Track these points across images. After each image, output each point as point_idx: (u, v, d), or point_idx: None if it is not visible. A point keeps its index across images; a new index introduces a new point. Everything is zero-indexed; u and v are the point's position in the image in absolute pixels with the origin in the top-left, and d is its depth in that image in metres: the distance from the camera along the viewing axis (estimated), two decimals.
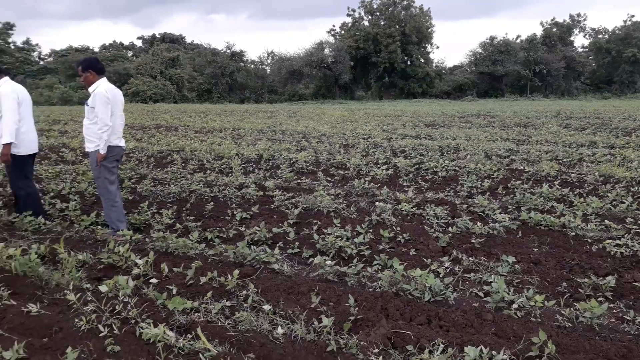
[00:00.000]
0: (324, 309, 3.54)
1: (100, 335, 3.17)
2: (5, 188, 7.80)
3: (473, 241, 5.05)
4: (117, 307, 3.49)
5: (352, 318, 3.40)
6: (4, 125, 5.51)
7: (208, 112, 31.96)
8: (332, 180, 8.37)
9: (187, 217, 6.15)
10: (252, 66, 67.99)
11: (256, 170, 9.42)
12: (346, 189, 7.61)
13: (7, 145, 5.53)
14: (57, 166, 9.89)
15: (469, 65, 66.95)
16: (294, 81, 63.38)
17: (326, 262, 4.28)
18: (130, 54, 78.74)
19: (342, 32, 65.78)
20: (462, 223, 5.55)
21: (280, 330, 3.23)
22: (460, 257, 4.70)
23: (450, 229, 5.40)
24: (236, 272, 3.99)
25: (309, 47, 62.32)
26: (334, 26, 70.83)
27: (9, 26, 67.66)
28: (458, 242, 5.10)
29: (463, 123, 20.57)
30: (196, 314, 3.48)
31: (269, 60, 69.32)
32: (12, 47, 67.82)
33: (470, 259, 4.64)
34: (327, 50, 61.54)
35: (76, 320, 3.35)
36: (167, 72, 59.26)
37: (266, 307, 3.55)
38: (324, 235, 5.16)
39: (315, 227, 5.56)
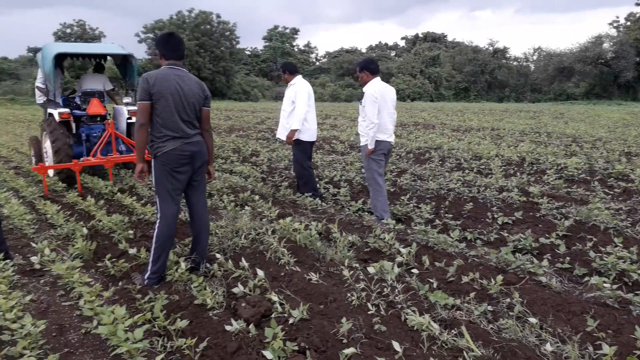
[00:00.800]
0: (602, 335, 3.15)
1: (369, 312, 3.43)
2: (290, 171, 9.09)
3: None
4: (384, 290, 3.73)
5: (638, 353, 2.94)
6: (296, 115, 6.53)
7: (465, 110, 31.51)
8: (611, 192, 7.36)
9: (446, 215, 6.18)
10: (515, 63, 64.29)
11: (518, 173, 8.90)
12: (630, 204, 6.59)
13: (294, 131, 6.59)
14: (329, 156, 11.07)
15: None
16: (562, 79, 57.61)
17: (604, 284, 3.79)
18: (393, 53, 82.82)
19: (628, 23, 56.88)
20: None
21: (549, 347, 3.00)
22: None
23: None
24: (499, 277, 3.84)
25: (583, 42, 55.80)
26: (617, 17, 61.69)
27: (295, 31, 78.34)
28: None
29: None
30: (457, 311, 3.48)
31: (534, 57, 64.55)
32: (296, 50, 78.33)
33: None
34: (606, 45, 54.09)
35: (348, 294, 3.70)
36: (427, 71, 60.44)
37: (532, 319, 3.33)
38: (601, 254, 4.58)
39: (590, 244, 4.97)
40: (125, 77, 9.46)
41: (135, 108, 8.88)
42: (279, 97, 60.47)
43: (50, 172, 8.62)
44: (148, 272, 3.99)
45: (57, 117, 8.25)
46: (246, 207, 6.17)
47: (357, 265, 4.32)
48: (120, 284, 4.11)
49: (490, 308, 3.53)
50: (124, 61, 9.25)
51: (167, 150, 3.82)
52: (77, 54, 8.94)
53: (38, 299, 3.91)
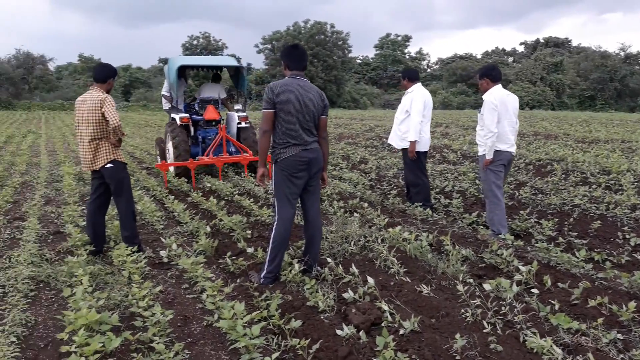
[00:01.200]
0: None
1: (484, 331, 3.29)
2: (399, 179, 9.02)
3: None
4: (502, 308, 3.56)
5: None
6: (411, 125, 6.37)
7: (591, 120, 29.10)
8: None
9: (570, 232, 5.75)
10: None
11: None
12: None
13: (413, 143, 6.39)
14: (441, 165, 10.81)
15: None
16: None
17: None
18: (510, 59, 78.94)
19: None
20: None
21: None
22: None
23: None
24: (632, 304, 3.49)
25: None
26: None
27: (406, 38, 77.65)
28: None
29: None
30: (583, 337, 3.22)
31: None
32: (407, 57, 77.60)
33: None
34: None
35: (462, 310, 3.58)
36: (548, 78, 56.81)
37: None
38: None
39: None
40: (237, 86, 10.51)
41: (244, 114, 10.21)
42: (388, 105, 60.30)
43: (171, 169, 9.56)
44: (264, 272, 4.18)
45: (178, 121, 9.41)
46: (355, 214, 6.22)
47: (472, 280, 4.17)
48: (238, 280, 4.34)
49: (620, 336, 3.22)
50: (236, 72, 10.35)
51: (286, 156, 3.99)
52: (197, 65, 10.20)
53: (165, 290, 4.26)
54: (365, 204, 6.70)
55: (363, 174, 9.80)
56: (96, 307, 3.55)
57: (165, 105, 10.23)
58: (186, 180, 8.98)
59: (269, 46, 59.15)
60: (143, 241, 5.54)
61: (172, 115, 9.94)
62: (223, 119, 10.37)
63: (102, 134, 4.83)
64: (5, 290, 4.16)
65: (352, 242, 5.06)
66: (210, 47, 64.46)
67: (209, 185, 8.67)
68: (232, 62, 10.12)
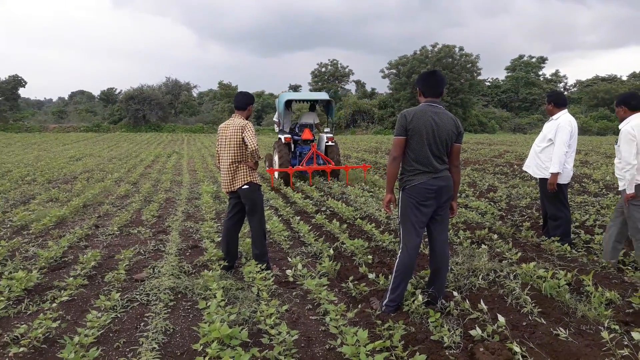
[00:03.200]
0: None
1: None
2: (533, 210, 8.44)
3: None
4: None
5: None
6: (554, 155, 5.88)
7: None
8: None
9: None
10: None
11: None
12: None
13: (555, 175, 5.90)
14: (580, 196, 9.93)
15: None
16: None
17: None
18: None
19: None
20: None
21: None
22: None
23: None
24: None
25: None
26: None
27: (542, 60, 73.30)
28: None
29: None
30: None
31: None
32: (542, 79, 73.09)
33: None
34: None
35: (605, 359, 3.22)
36: None
37: None
38: None
39: None
40: (327, 114, 13.85)
41: (331, 135, 13.42)
42: (518, 129, 57.10)
43: (276, 174, 12.83)
44: (386, 299, 4.13)
45: (282, 140, 12.83)
46: (483, 246, 5.93)
47: (617, 327, 3.74)
48: (360, 306, 4.35)
49: None
50: (328, 104, 13.61)
51: (415, 183, 3.95)
52: (298, 99, 13.60)
53: (290, 309, 4.39)
54: (495, 236, 6.37)
55: (492, 203, 9.34)
56: (228, 321, 3.77)
57: (276, 128, 13.74)
58: (285, 183, 12.35)
59: (394, 71, 59.44)
60: (271, 259, 5.79)
61: (280, 135, 13.21)
62: (315, 139, 13.57)
63: (241, 157, 5.19)
64: (149, 299, 4.60)
65: (480, 276, 4.82)
66: (338, 73, 66.42)
67: (302, 189, 11.12)
68: (325, 97, 13.20)
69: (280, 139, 13.12)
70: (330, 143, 13.31)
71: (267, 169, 13.82)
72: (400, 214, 4.07)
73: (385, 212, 4.66)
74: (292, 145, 13.21)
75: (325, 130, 13.74)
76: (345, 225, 7.28)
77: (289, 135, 12.89)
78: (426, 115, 3.94)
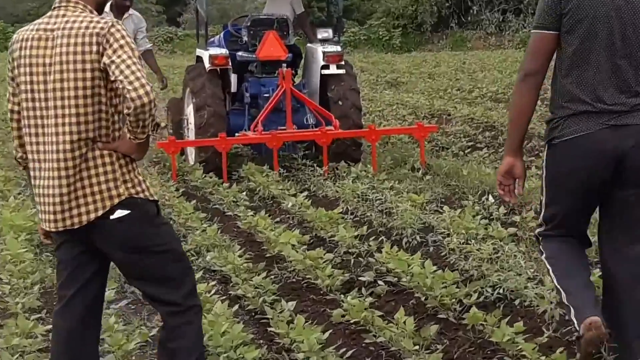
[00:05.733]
0: None
1: None
2: None
3: None
4: None
5: None
6: None
7: None
8: None
9: None
10: None
11: None
12: None
13: None
14: None
15: None
16: None
17: None
18: None
19: None
20: None
21: None
22: None
23: None
24: None
25: None
26: None
27: None
28: None
29: None
30: None
31: None
32: None
33: None
34: None
35: None
36: None
37: None
38: None
39: None
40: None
41: (335, 49, 5.80)
42: None
43: (188, 152, 6.09)
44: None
45: (207, 64, 5.62)
46: None
47: None
48: None
49: None
50: None
51: (571, 135, 1.97)
52: None
53: None
54: None
55: None
56: None
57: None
58: (213, 171, 5.39)
59: None
60: None
61: (198, 52, 6.05)
62: (289, 59, 5.86)
63: (98, 127, 1.84)
64: None
65: None
66: None
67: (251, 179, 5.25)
68: None
69: (200, 60, 5.93)
70: (333, 69, 5.77)
71: (165, 138, 5.83)
72: (544, 189, 2.12)
73: (501, 196, 2.28)
74: (234, 78, 5.88)
75: (321, 34, 6.09)
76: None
77: (224, 52, 5.71)
78: None
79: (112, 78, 1.72)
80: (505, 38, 20.52)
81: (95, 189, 1.80)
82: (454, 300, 2.71)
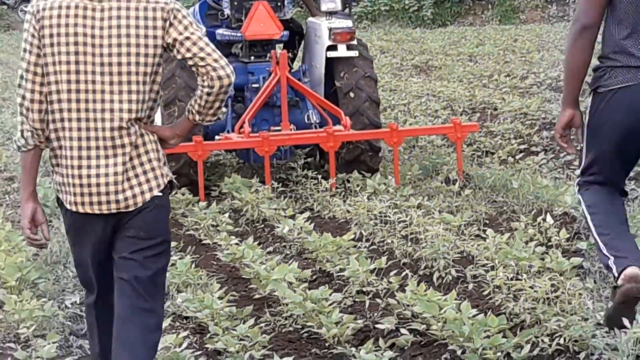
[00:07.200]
0: None
1: None
2: None
3: None
4: None
5: None
6: None
7: None
8: None
9: None
10: None
11: None
12: None
13: None
14: None
15: None
16: None
17: None
18: None
19: None
20: None
21: None
22: None
23: None
24: None
25: None
26: None
27: None
28: None
29: None
30: None
31: None
32: None
33: None
34: None
35: None
36: None
37: None
38: None
39: None
40: None
41: (344, 25, 5.01)
42: None
43: None
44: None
45: None
46: None
47: None
48: None
49: None
50: None
51: (617, 85, 2.10)
52: None
53: None
54: None
55: None
56: None
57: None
58: (187, 188, 4.74)
59: None
60: None
61: None
62: (285, 38, 5.31)
63: (151, 108, 1.97)
64: None
65: None
66: None
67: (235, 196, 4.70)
68: None
69: None
70: (342, 51, 5.09)
71: None
72: (585, 142, 2.24)
73: (563, 148, 2.43)
74: None
75: (327, 4, 5.25)
76: None
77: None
78: None
79: (188, 55, 1.77)
80: (570, 7, 17.16)
81: (147, 167, 1.88)
82: (499, 353, 2.47)
